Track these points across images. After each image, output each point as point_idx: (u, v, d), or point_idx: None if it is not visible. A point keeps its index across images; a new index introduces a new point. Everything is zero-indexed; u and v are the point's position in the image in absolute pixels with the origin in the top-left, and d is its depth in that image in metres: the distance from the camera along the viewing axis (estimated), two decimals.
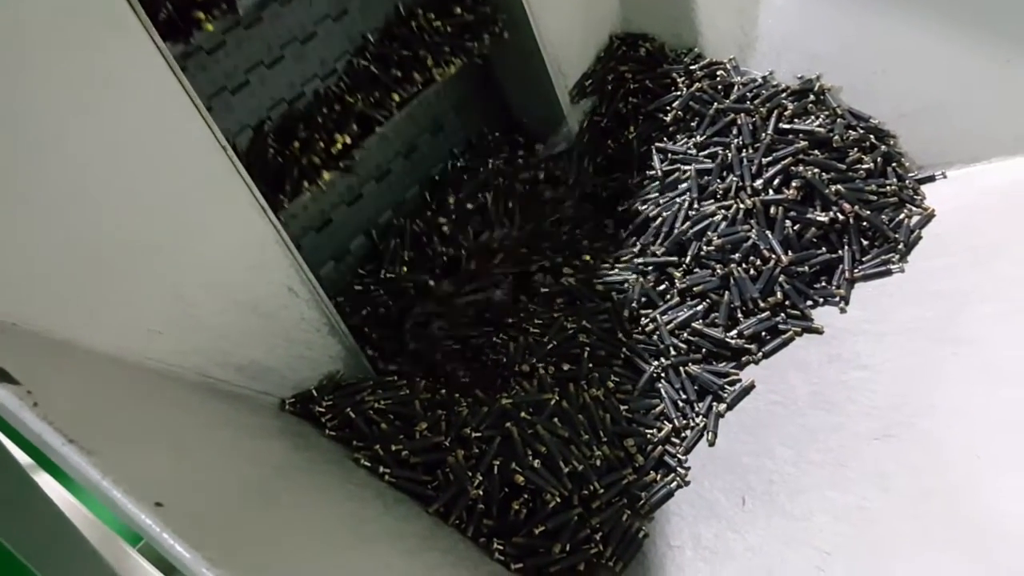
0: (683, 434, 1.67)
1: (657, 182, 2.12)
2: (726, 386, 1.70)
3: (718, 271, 1.84)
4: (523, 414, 1.60)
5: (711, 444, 1.62)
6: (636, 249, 2.04)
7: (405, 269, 2.06)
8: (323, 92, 1.96)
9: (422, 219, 2.14)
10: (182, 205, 1.43)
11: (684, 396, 1.72)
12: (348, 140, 1.89)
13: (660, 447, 1.63)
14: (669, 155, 2.15)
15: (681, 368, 1.76)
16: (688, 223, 1.95)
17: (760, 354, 1.74)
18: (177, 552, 0.77)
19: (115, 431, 0.99)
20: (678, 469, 1.59)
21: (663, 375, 1.76)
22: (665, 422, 1.69)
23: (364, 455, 1.52)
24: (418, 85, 2.03)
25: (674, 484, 1.57)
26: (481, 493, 1.49)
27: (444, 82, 2.14)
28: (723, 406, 1.67)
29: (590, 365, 1.78)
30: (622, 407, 1.70)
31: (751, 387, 1.68)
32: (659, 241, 1.99)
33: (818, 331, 1.72)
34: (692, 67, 2.24)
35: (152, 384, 1.33)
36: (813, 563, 1.29)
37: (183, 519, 0.81)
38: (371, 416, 1.59)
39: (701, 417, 1.68)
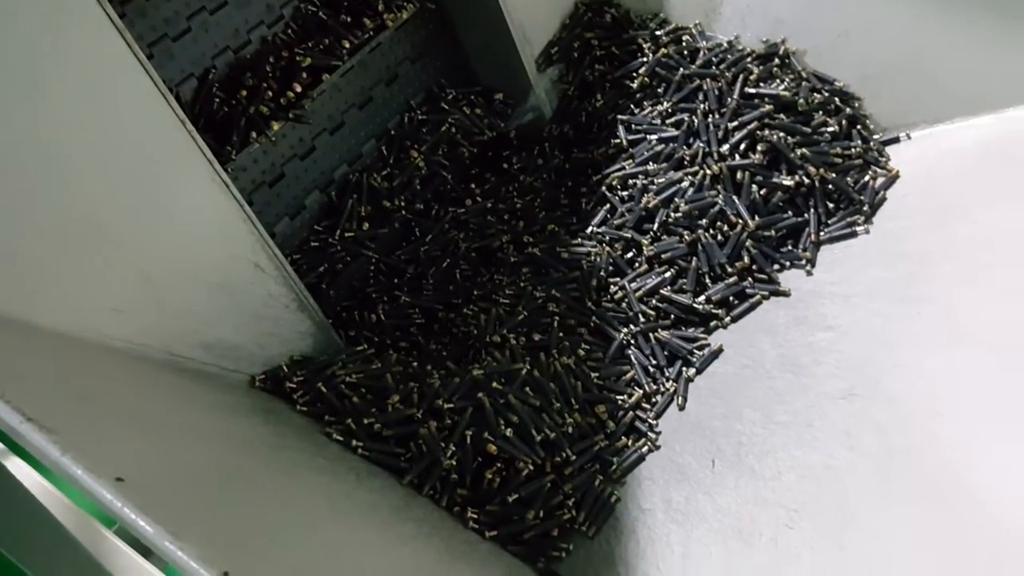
0: (654, 399, 1.68)
1: (624, 152, 2.12)
2: (695, 351, 1.72)
3: (686, 237, 1.85)
4: (495, 384, 1.61)
5: (681, 408, 1.64)
6: (602, 218, 2.04)
7: (367, 226, 2.05)
8: (270, 39, 1.92)
9: (379, 175, 2.13)
10: (139, 181, 1.40)
11: (654, 362, 1.73)
12: (298, 89, 1.86)
13: (631, 413, 1.65)
14: (634, 125, 2.14)
15: (650, 334, 1.77)
16: (655, 191, 1.95)
17: (728, 319, 1.75)
18: (139, 527, 0.77)
19: (77, 410, 0.98)
20: (649, 434, 1.61)
21: (633, 342, 1.77)
22: (636, 388, 1.70)
23: (336, 429, 1.52)
24: (369, 31, 2.00)
25: (645, 449, 1.58)
26: (454, 463, 1.49)
27: (397, 30, 2.10)
28: (692, 371, 1.69)
29: (560, 334, 1.79)
30: (593, 375, 1.71)
31: (720, 351, 1.70)
32: (627, 210, 1.99)
33: (785, 294, 1.73)
34: (658, 33, 2.24)
35: (117, 364, 1.32)
36: (782, 521, 1.31)
37: (145, 494, 0.81)
38: (343, 390, 1.59)
39: (671, 382, 1.69)
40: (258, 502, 1.08)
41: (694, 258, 1.82)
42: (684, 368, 1.70)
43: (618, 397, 1.68)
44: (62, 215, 1.29)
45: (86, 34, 1.31)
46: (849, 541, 1.23)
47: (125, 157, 1.38)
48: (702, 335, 1.75)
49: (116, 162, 1.37)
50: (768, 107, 1.92)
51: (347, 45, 1.94)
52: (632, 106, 2.18)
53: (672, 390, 1.67)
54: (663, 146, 2.03)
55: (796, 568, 1.23)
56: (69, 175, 1.29)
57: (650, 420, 1.64)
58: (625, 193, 2.03)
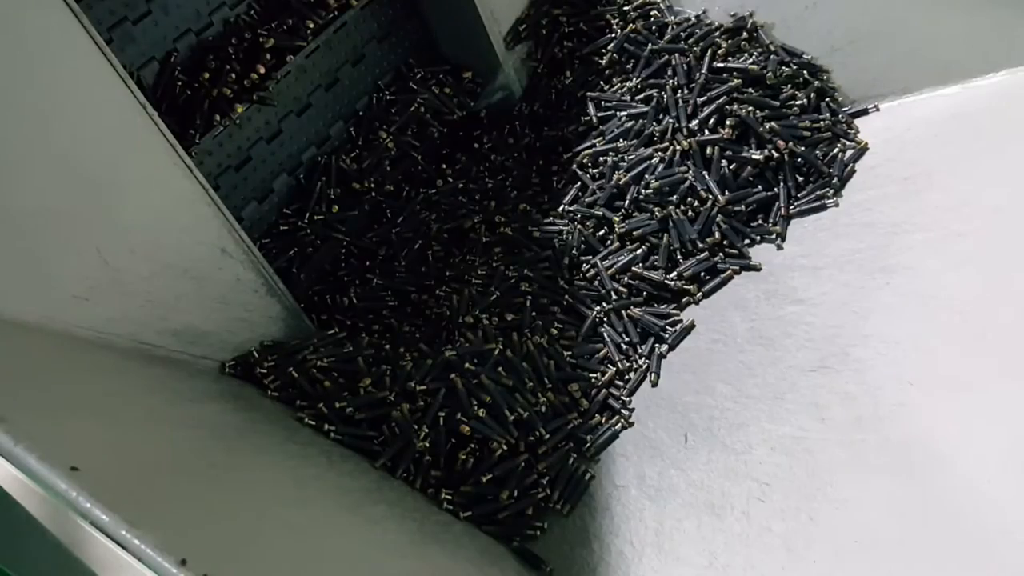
0: (627, 376, 1.68)
1: (594, 129, 2.11)
2: (667, 327, 1.72)
3: (657, 214, 1.84)
4: (467, 365, 1.60)
5: (654, 385, 1.64)
6: (573, 196, 2.03)
7: (336, 208, 2.03)
8: (232, 20, 1.89)
9: (348, 156, 2.11)
10: (100, 167, 1.38)
11: (627, 339, 1.73)
12: (262, 71, 1.82)
13: (604, 391, 1.64)
14: (603, 102, 2.13)
15: (623, 312, 1.76)
16: (625, 168, 1.94)
17: (700, 294, 1.75)
18: (95, 515, 0.76)
19: (35, 400, 0.97)
20: (622, 411, 1.61)
21: (605, 319, 1.77)
22: (609, 365, 1.70)
23: (308, 414, 1.51)
24: (333, 11, 1.97)
25: (619, 426, 1.58)
26: (427, 445, 1.49)
27: (363, 10, 2.08)
28: (665, 347, 1.69)
29: (533, 313, 1.78)
30: (566, 353, 1.70)
31: (691, 327, 1.70)
32: (598, 188, 1.98)
33: (756, 268, 1.73)
34: (625, 8, 2.22)
35: (81, 352, 1.30)
36: (753, 494, 1.32)
37: (102, 483, 0.79)
38: (314, 375, 1.57)
39: (644, 359, 1.69)
40: (223, 488, 1.07)
41: (665, 235, 1.82)
42: (657, 344, 1.70)
43: (591, 375, 1.68)
44: (22, 203, 1.26)
45: (39, 18, 1.28)
46: (819, 512, 1.23)
47: (84, 144, 1.36)
48: (674, 311, 1.75)
49: (75, 148, 1.34)
50: (736, 81, 1.92)
51: (311, 25, 1.91)
52: (601, 83, 2.17)
53: (645, 367, 1.67)
54: (633, 122, 2.02)
55: (767, 540, 1.24)
56: (27, 162, 1.27)
57: (623, 397, 1.64)
58: (596, 171, 2.02)
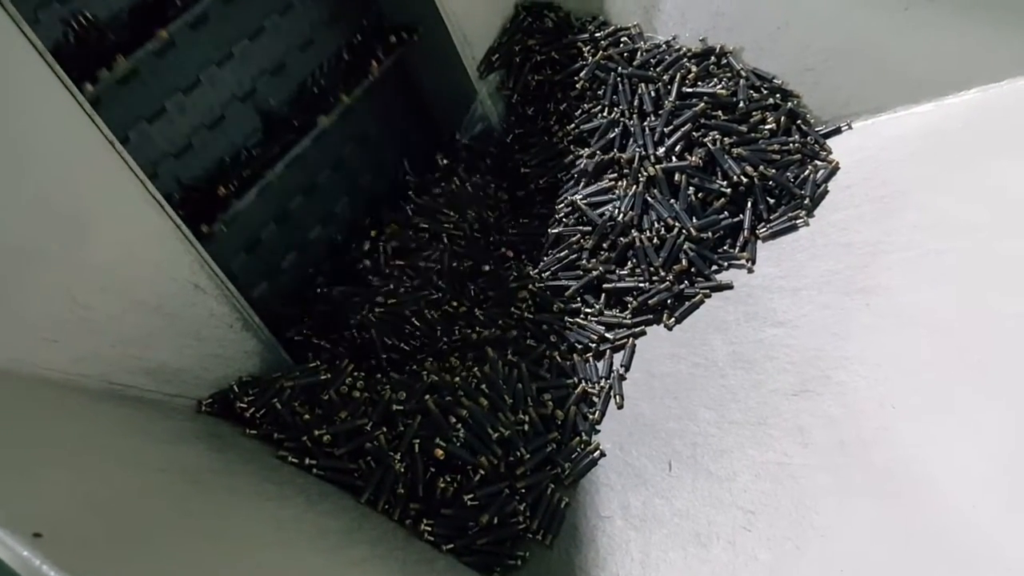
0: (595, 394, 1.70)
1: (562, 157, 2.12)
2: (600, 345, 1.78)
3: (621, 240, 1.85)
4: (454, 378, 1.61)
5: (620, 407, 1.65)
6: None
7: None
8: None
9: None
10: (68, 203, 1.36)
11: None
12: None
13: (575, 407, 1.66)
14: (572, 132, 2.13)
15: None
16: (592, 198, 1.97)
17: (673, 320, 1.76)
18: None
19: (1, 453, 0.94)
20: (583, 435, 1.63)
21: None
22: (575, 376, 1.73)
23: (288, 448, 1.48)
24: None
25: (596, 453, 1.58)
26: (403, 471, 1.47)
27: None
28: (622, 368, 1.72)
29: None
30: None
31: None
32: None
33: (728, 287, 1.74)
34: (597, 35, 2.21)
35: (50, 397, 1.27)
36: (739, 523, 1.30)
37: (68, 547, 0.76)
38: (295, 408, 1.55)
39: (604, 380, 1.71)
40: (198, 537, 1.04)
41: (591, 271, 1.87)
42: (615, 369, 1.72)
43: (566, 382, 1.70)
44: None
45: (6, 57, 1.27)
46: (805, 540, 1.22)
47: (53, 181, 1.34)
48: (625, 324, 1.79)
49: (44, 186, 1.32)
50: (702, 105, 1.92)
51: None
52: (573, 111, 2.15)
53: (608, 388, 1.68)
54: (602, 153, 2.02)
55: (753, 569, 1.22)
56: None
57: (594, 415, 1.66)
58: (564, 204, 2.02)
